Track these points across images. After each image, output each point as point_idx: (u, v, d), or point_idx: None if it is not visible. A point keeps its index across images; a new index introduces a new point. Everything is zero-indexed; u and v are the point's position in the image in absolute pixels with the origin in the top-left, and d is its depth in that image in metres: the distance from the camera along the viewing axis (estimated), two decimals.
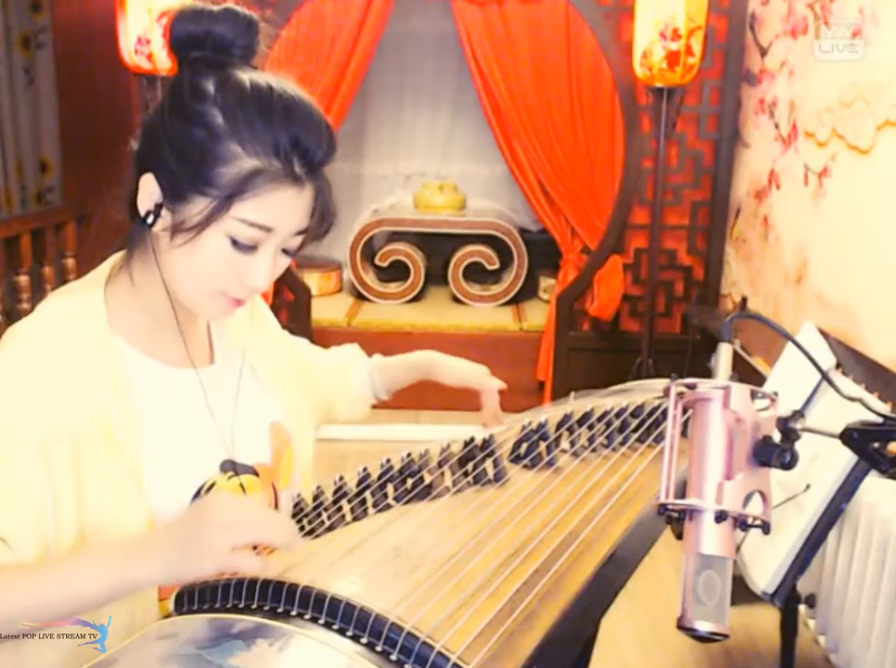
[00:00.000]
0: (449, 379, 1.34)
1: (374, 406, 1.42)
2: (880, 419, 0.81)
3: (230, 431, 1.02)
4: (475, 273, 4.47)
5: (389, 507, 1.02)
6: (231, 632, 0.74)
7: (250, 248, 0.90)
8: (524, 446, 1.16)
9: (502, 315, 4.25)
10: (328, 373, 1.34)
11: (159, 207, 0.91)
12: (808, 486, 1.66)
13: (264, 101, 0.88)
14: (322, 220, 0.95)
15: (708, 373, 0.80)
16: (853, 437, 0.81)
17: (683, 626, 0.72)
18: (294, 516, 1.02)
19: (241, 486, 1.00)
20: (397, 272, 4.45)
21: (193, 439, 0.99)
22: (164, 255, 0.93)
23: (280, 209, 0.89)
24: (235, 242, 0.89)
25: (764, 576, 1.68)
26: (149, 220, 0.91)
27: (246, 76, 0.90)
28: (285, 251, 0.95)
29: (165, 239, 0.92)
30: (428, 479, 1.06)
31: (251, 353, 1.11)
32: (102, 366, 0.92)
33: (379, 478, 1.08)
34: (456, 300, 4.45)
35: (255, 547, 1.00)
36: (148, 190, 0.91)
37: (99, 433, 0.89)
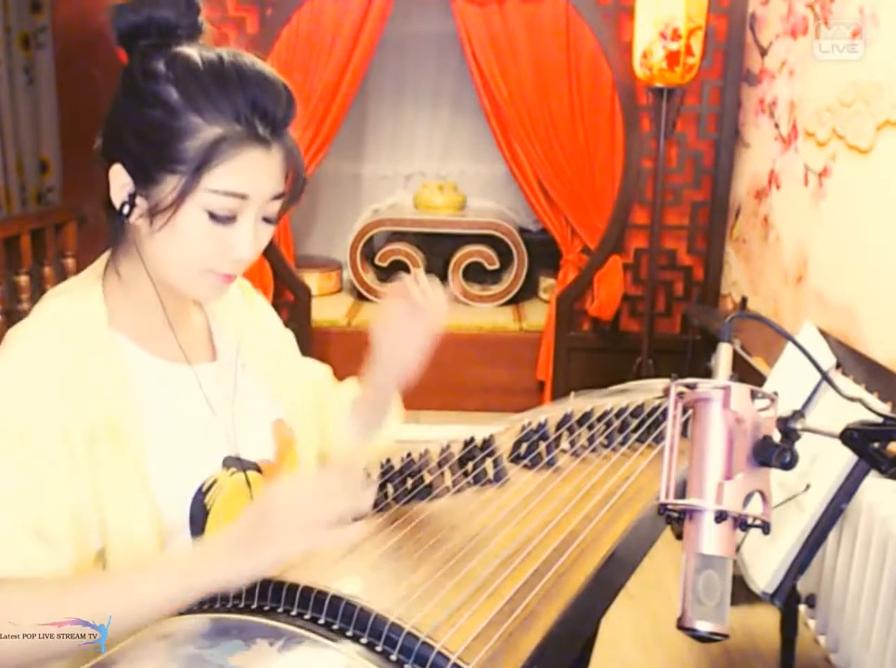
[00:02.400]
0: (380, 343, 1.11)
1: None
2: (880, 419, 0.81)
3: (232, 428, 1.02)
4: (475, 273, 4.47)
5: (389, 506, 1.02)
6: (231, 632, 0.74)
7: (229, 219, 0.90)
8: (524, 446, 1.16)
9: (502, 315, 4.25)
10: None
11: (132, 196, 0.91)
12: (808, 486, 1.66)
13: (216, 69, 0.88)
14: (295, 181, 0.95)
15: (708, 373, 0.80)
16: (853, 437, 0.81)
17: (683, 626, 0.72)
18: None
19: (247, 481, 1.00)
20: (397, 272, 4.44)
21: (194, 435, 0.99)
22: (147, 244, 0.93)
23: (250, 173, 0.89)
24: (212, 215, 0.89)
25: (764, 576, 1.68)
26: (125, 211, 0.91)
27: (194, 50, 0.90)
28: (266, 220, 0.94)
29: (145, 227, 0.91)
30: (428, 479, 1.06)
31: (247, 347, 1.10)
32: (105, 364, 0.92)
33: (379, 478, 1.08)
34: (456, 300, 4.45)
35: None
36: (120, 181, 0.91)
37: (106, 430, 0.90)
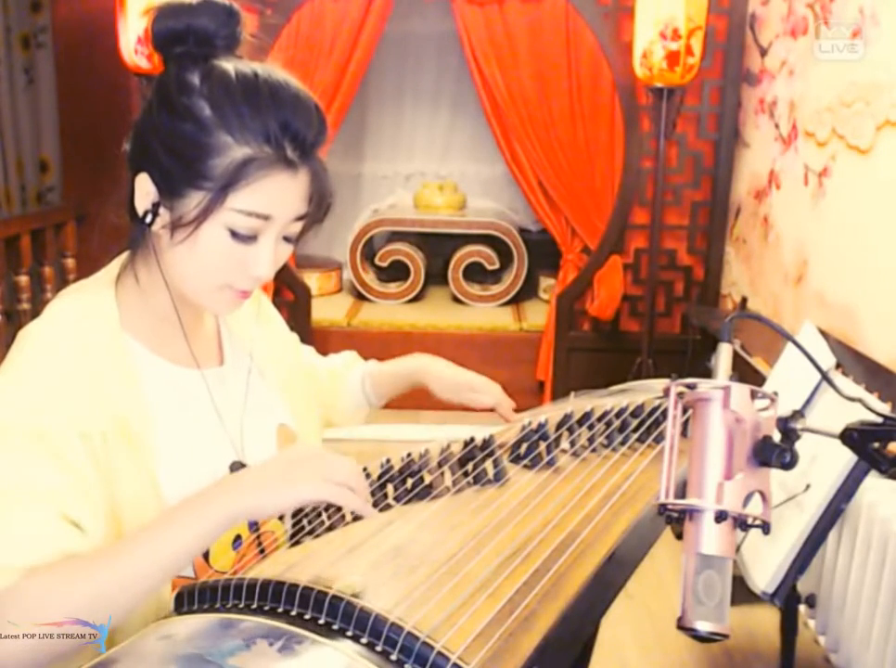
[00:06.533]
0: (440, 393, 1.32)
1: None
2: (880, 419, 0.81)
3: (239, 433, 1.02)
4: (475, 273, 4.47)
5: (389, 507, 1.02)
6: (231, 632, 0.74)
7: (250, 238, 0.90)
8: (524, 446, 1.16)
9: (502, 315, 4.25)
10: (327, 378, 1.34)
11: (156, 205, 0.91)
12: (808, 486, 1.65)
13: (250, 88, 0.88)
14: (320, 204, 0.95)
15: (708, 373, 0.80)
16: (853, 437, 0.81)
17: (683, 626, 0.72)
18: (294, 515, 1.02)
19: None
20: (397, 272, 4.45)
21: (202, 438, 0.99)
22: (166, 254, 0.93)
23: (276, 195, 0.89)
24: (234, 233, 0.89)
25: (764, 576, 1.68)
26: (148, 219, 0.91)
27: (230, 65, 0.90)
28: (286, 239, 0.94)
29: (166, 238, 0.92)
30: (428, 479, 1.06)
31: (258, 353, 1.11)
32: (116, 365, 0.93)
33: (379, 478, 1.08)
34: (456, 300, 4.45)
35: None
36: (144, 189, 0.91)
37: (119, 431, 0.90)
